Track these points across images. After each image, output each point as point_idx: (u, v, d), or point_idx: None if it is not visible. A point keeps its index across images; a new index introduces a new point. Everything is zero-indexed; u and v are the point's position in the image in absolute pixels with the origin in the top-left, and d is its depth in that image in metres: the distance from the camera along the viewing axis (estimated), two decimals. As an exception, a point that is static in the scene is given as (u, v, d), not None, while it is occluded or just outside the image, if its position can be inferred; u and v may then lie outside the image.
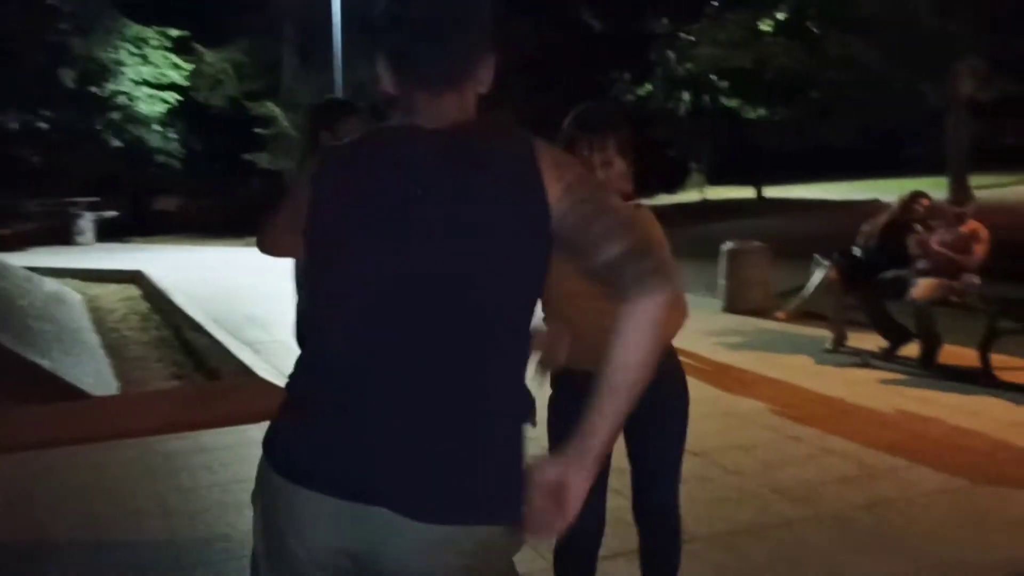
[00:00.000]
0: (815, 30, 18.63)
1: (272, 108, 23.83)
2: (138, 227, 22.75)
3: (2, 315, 6.90)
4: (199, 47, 24.06)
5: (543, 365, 2.20)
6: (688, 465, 4.41)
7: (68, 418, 5.04)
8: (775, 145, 27.35)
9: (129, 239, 20.99)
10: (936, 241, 6.50)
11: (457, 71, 1.43)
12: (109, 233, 21.07)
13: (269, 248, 1.74)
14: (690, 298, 2.26)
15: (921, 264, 6.54)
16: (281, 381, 4.77)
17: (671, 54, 26.19)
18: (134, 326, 8.96)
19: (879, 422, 5.04)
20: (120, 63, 23.01)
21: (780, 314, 8.34)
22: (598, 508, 2.49)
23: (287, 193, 1.60)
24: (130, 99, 23.31)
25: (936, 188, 10.79)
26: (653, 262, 1.38)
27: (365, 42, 19.11)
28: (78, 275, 12.93)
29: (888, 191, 23.43)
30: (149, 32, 23.00)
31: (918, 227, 6.75)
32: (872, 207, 8.87)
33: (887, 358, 6.55)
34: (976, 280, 6.35)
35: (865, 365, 6.44)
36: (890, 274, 6.71)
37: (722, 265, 8.96)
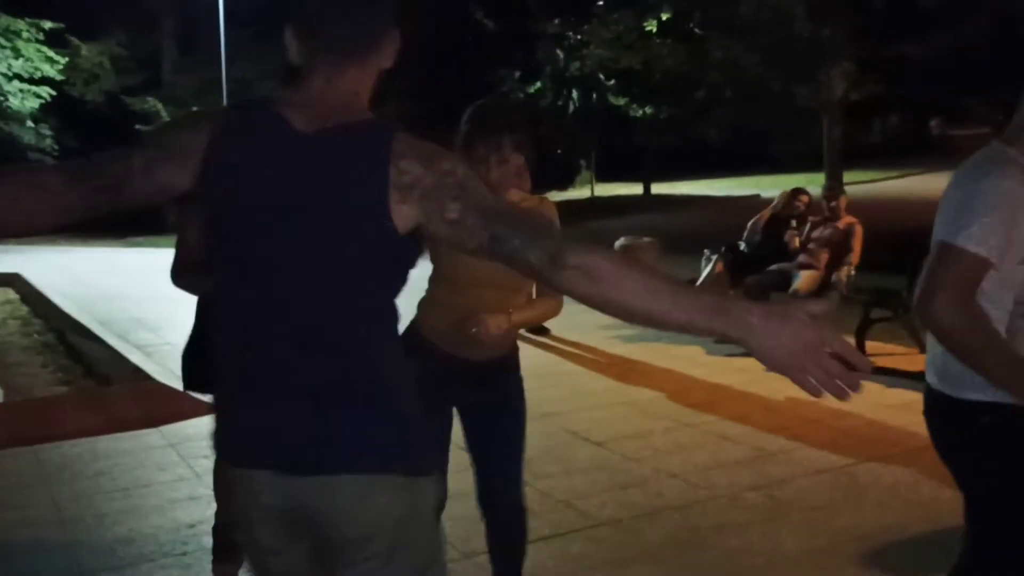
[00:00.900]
0: (698, 31, 19.33)
1: (153, 103, 23.11)
2: (10, 228, 21.68)
3: None
4: (74, 40, 23.20)
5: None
6: (587, 453, 4.61)
7: (-50, 428, 4.80)
8: (658, 143, 28.18)
9: (1, 240, 19.99)
10: (815, 236, 6.89)
11: (363, 40, 1.48)
12: (-23, 234, 20.01)
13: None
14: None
15: (802, 258, 6.91)
16: (176, 384, 4.68)
17: (560, 53, 26.64)
18: (14, 331, 8.55)
19: (768, 407, 5.30)
20: (-11, 56, 21.96)
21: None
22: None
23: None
24: (1, 94, 22.25)
25: (812, 184, 11.34)
26: (548, 237, 1.41)
27: (249, 38, 18.82)
28: (-53, 279, 12.26)
29: (765, 187, 24.46)
30: (21, 24, 22.01)
31: (793, 223, 7.16)
32: (753, 202, 9.27)
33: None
34: (852, 272, 6.75)
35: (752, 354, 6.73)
36: (774, 268, 7.07)
37: (615, 261, 9.16)
